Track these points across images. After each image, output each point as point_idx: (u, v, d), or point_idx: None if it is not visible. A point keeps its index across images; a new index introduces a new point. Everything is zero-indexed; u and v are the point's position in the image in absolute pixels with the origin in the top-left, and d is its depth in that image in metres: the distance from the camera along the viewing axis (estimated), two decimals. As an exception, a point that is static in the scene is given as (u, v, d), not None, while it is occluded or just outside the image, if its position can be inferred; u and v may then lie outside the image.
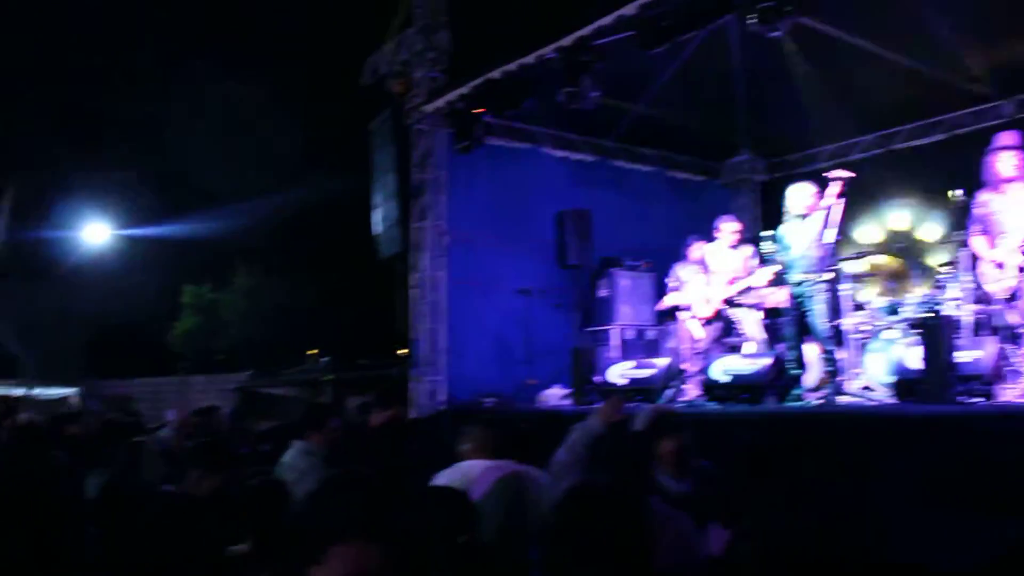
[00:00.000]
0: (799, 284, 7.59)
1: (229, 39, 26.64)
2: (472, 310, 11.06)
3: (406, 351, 11.27)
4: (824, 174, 7.56)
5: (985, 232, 7.19)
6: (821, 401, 7.31)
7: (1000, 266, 7.01)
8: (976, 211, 7.30)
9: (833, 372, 7.50)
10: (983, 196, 7.24)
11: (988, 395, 6.68)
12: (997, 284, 7.05)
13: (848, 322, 8.97)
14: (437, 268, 10.88)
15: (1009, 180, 7.05)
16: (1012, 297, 6.96)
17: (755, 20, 7.44)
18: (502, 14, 10.21)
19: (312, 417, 5.71)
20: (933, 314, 7.83)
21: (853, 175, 7.40)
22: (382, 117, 12.63)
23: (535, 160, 12.04)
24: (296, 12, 26.20)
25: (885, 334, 8.66)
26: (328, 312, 27.10)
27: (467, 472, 4.11)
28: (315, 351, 23.82)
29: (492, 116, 10.43)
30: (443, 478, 4.17)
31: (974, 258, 7.51)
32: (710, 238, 9.24)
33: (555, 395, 9.94)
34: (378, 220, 12.91)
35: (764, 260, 8.26)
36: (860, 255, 9.75)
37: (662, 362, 8.79)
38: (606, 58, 8.92)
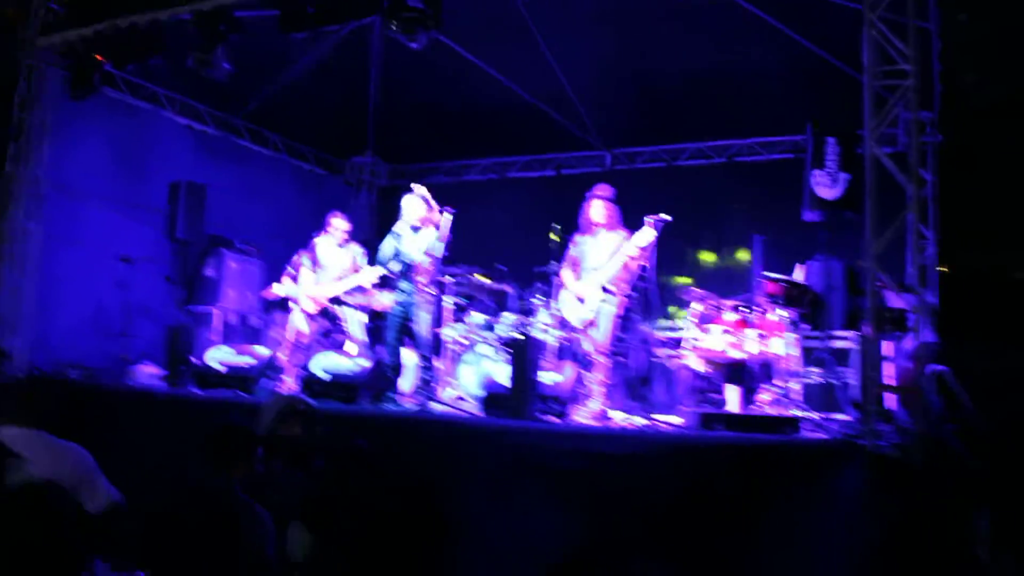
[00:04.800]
0: (405, 291, 7.85)
1: None
2: (67, 272, 10.02)
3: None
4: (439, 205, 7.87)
5: (574, 268, 7.92)
6: (414, 407, 7.60)
7: (581, 300, 7.75)
8: (570, 248, 8.03)
9: (428, 380, 7.83)
10: (577, 236, 7.98)
11: (563, 414, 7.32)
12: (577, 315, 7.78)
13: (447, 333, 9.42)
14: (29, 219, 9.77)
15: (598, 225, 7.82)
16: (587, 328, 7.73)
17: (397, 28, 7.60)
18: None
19: None
20: (522, 336, 8.45)
21: (454, 211, 7.80)
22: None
23: (156, 123, 11.29)
24: None
25: (480, 348, 9.20)
26: None
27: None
28: None
29: (113, 67, 9.66)
30: None
31: (560, 288, 8.24)
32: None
33: (145, 372, 9.41)
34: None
35: (372, 262, 8.44)
36: (465, 271, 10.26)
37: (263, 352, 8.65)
38: (244, 32, 8.63)
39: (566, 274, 7.97)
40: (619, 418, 7.12)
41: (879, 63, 6.19)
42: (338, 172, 14.10)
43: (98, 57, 9.39)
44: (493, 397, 7.36)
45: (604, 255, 7.69)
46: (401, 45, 7.80)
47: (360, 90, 11.40)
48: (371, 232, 13.64)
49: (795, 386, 7.26)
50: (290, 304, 9.28)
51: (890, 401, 6.48)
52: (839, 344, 7.34)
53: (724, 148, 11.76)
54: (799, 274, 8.46)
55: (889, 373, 7.19)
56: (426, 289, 7.77)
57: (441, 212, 7.85)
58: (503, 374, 7.20)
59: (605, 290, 7.60)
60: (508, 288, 10.10)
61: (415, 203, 7.98)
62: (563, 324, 8.82)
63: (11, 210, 9.74)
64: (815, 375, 7.13)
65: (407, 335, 8.03)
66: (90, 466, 3.97)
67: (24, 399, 4.18)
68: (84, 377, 9.13)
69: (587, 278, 7.74)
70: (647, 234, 7.40)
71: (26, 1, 10.00)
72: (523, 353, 6.96)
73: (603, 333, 7.64)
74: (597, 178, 9.06)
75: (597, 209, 7.83)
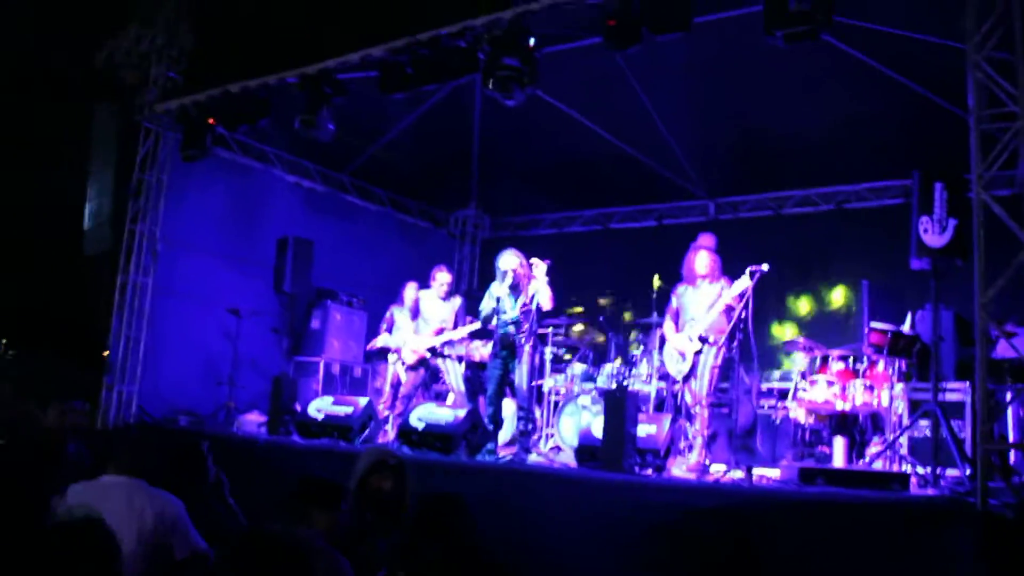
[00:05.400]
0: (505, 343, 7.83)
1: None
2: (178, 323, 10.50)
3: (105, 354, 10.50)
4: (535, 261, 7.85)
5: (675, 319, 7.80)
6: (509, 458, 7.54)
7: (681, 352, 7.61)
8: (672, 299, 7.91)
9: (526, 431, 7.77)
10: (679, 287, 7.86)
11: (660, 468, 7.15)
12: (677, 367, 7.65)
13: (547, 384, 9.38)
14: (144, 275, 10.26)
15: (701, 276, 7.69)
16: (687, 380, 7.58)
17: (493, 87, 7.69)
18: (250, 28, 9.90)
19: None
20: (619, 387, 8.33)
21: (549, 261, 7.77)
22: (109, 108, 11.83)
23: (265, 181, 11.70)
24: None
25: (579, 400, 9.11)
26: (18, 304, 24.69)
27: (98, 489, 3.95)
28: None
29: (225, 129, 10.10)
30: (74, 493, 4.05)
31: (663, 341, 8.11)
32: (426, 284, 9.37)
33: (252, 421, 9.65)
34: (89, 215, 12.02)
35: (473, 314, 8.47)
36: (566, 323, 10.23)
37: (362, 401, 8.73)
38: (347, 93, 8.91)
39: (667, 326, 7.86)
40: (718, 471, 6.91)
41: (987, 105, 5.92)
42: (442, 225, 14.31)
43: (211, 120, 9.81)
44: (587, 449, 7.26)
45: (704, 306, 7.56)
46: (498, 103, 7.91)
47: (463, 145, 11.60)
48: (472, 284, 13.79)
49: (903, 439, 6.93)
50: (390, 354, 9.40)
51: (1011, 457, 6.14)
52: (951, 396, 6.98)
53: (832, 195, 11.43)
54: (910, 323, 8.14)
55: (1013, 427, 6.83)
56: (525, 342, 7.75)
57: (542, 262, 7.82)
58: (599, 426, 7.08)
59: (704, 340, 7.46)
60: (609, 339, 10.01)
61: (512, 258, 7.96)
62: (664, 375, 8.69)
63: (127, 265, 10.22)
64: (925, 428, 6.79)
65: (507, 386, 8.01)
66: (178, 515, 4.04)
67: (126, 448, 4.31)
68: (193, 424, 9.41)
69: (687, 329, 7.62)
70: (742, 283, 7.25)
71: (146, 70, 10.56)
72: (617, 405, 6.84)
73: (703, 384, 7.49)
74: (700, 228, 8.95)
75: (701, 260, 7.70)
